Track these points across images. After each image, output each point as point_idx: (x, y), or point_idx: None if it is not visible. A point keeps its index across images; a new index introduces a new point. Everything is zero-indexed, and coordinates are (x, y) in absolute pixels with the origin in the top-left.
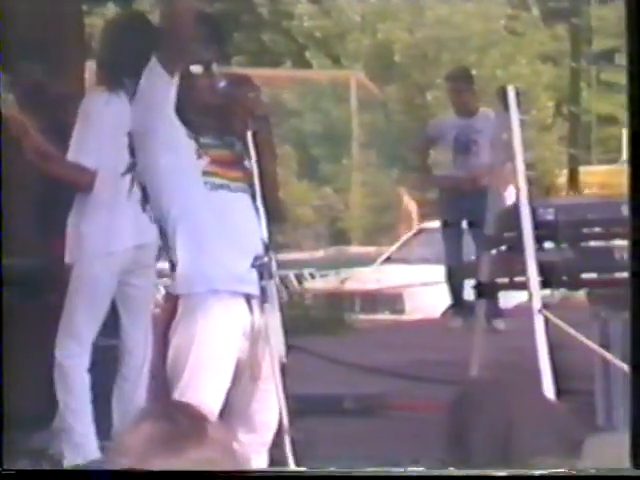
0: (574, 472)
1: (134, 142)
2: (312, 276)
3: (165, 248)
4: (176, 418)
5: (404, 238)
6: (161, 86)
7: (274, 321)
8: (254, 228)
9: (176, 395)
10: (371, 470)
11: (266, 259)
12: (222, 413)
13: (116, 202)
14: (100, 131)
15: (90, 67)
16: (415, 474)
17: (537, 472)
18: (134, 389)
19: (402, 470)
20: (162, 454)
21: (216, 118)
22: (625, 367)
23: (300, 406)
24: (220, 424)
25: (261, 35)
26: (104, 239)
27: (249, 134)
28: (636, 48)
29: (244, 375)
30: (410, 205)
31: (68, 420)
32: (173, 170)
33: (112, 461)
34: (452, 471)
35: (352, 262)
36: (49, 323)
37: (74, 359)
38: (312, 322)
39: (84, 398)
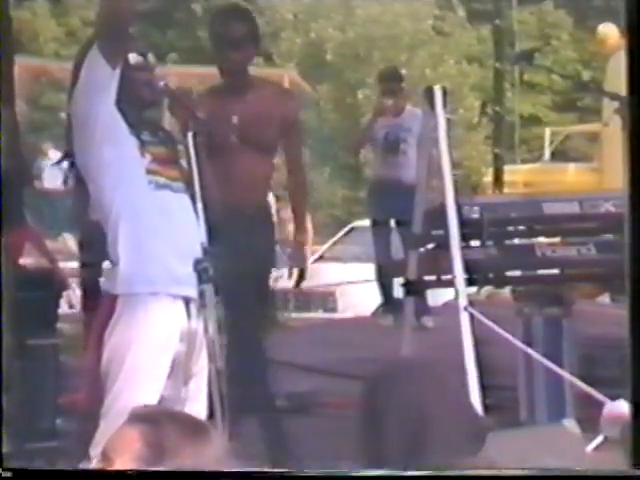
0: (574, 472)
1: (74, 133)
2: None
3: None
4: (163, 423)
5: (336, 237)
6: (102, 77)
7: (211, 324)
8: (194, 230)
9: (111, 396)
10: (371, 470)
11: (206, 263)
12: None
13: None
14: None
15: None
16: (415, 474)
17: (538, 472)
18: None
19: (402, 470)
20: (153, 458)
21: (154, 115)
22: (547, 362)
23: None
24: (208, 429)
25: (195, 32)
26: None
27: (189, 135)
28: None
29: (177, 375)
30: None
31: None
32: (116, 165)
33: (101, 465)
34: (452, 471)
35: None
36: None
37: None
38: None
39: None
